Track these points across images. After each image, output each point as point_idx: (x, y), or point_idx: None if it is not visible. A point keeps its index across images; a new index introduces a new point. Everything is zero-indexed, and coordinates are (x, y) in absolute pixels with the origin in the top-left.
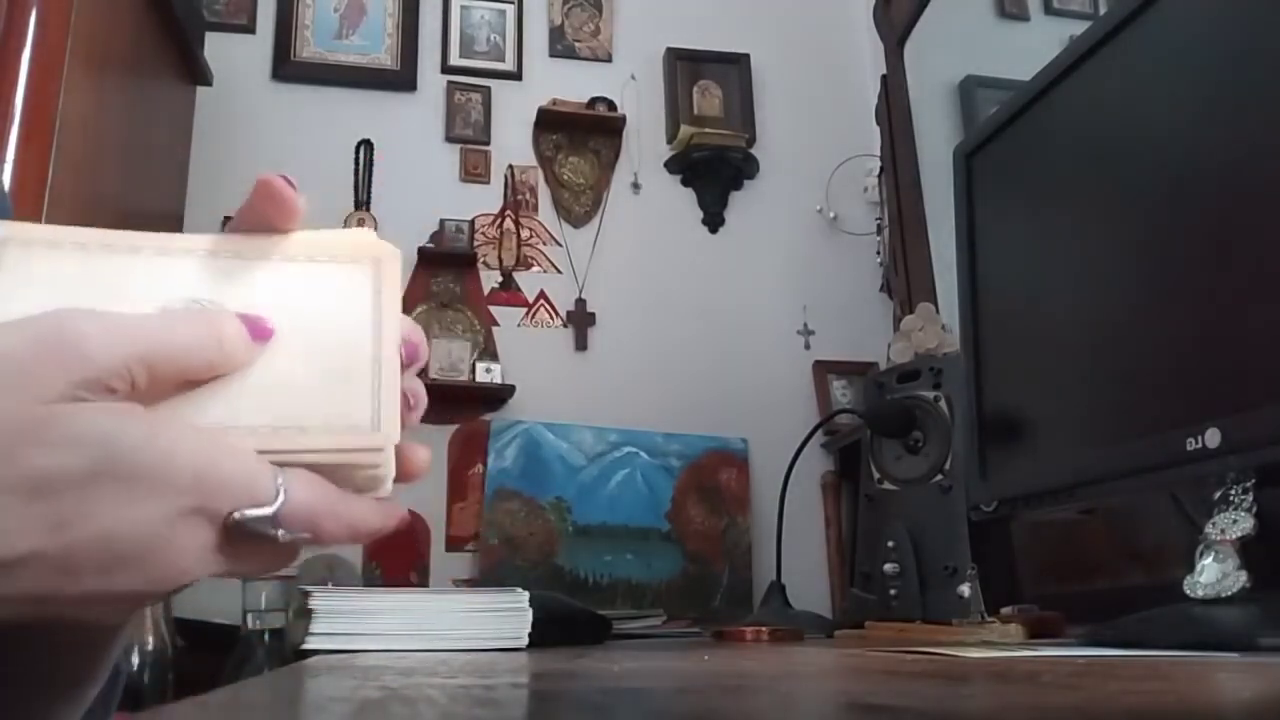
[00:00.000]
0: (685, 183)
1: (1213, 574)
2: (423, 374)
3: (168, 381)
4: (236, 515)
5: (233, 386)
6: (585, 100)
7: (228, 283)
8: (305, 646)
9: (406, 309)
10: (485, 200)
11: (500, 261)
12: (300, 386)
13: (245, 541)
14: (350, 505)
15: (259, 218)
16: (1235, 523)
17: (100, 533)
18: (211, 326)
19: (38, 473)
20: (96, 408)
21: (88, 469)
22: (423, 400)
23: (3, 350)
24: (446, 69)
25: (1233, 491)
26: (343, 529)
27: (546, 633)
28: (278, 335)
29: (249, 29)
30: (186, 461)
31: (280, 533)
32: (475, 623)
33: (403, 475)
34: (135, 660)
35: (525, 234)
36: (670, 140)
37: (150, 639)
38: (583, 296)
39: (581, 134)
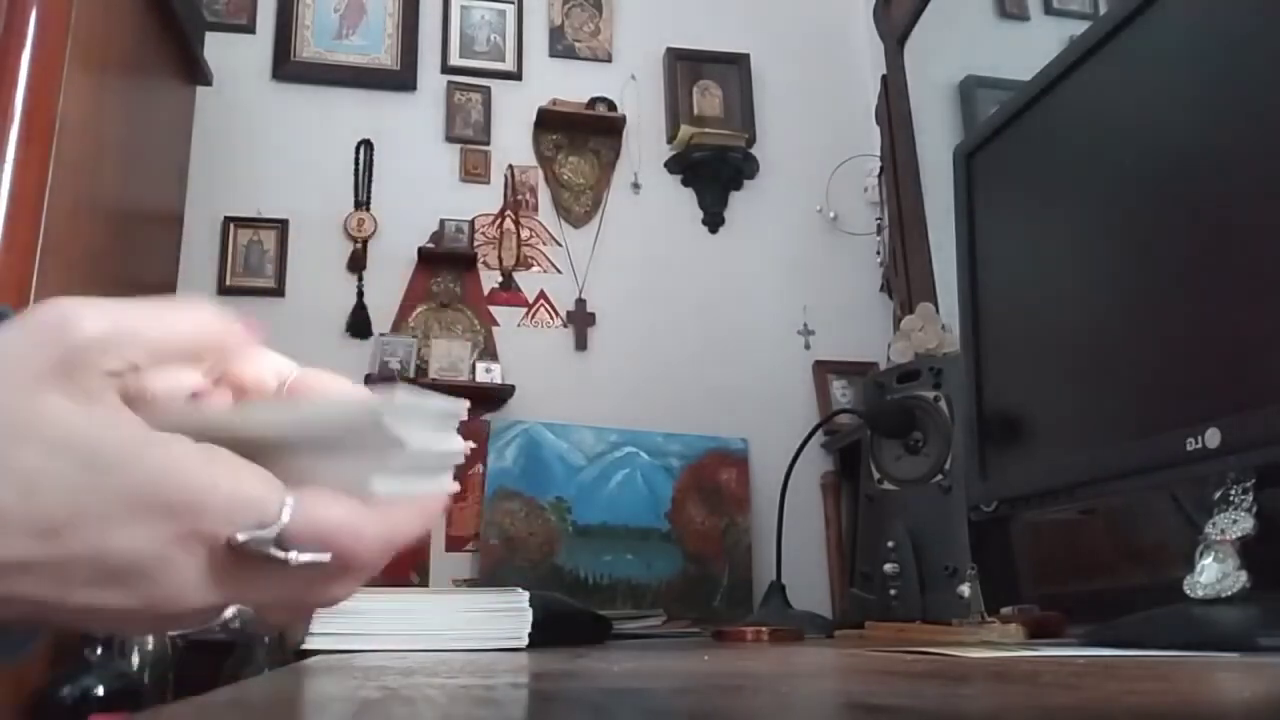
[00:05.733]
0: (685, 183)
1: (1213, 574)
2: (423, 374)
3: (170, 366)
4: (239, 537)
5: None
6: (585, 100)
7: None
8: (305, 646)
9: (407, 309)
10: (485, 200)
11: (500, 261)
12: None
13: (254, 566)
14: (379, 517)
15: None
16: (1235, 523)
17: (91, 547)
18: (201, 309)
19: (29, 471)
20: (90, 410)
21: (76, 476)
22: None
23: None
24: (446, 69)
25: (1233, 491)
26: (371, 545)
27: (546, 633)
28: None
29: (249, 29)
30: (180, 481)
31: (291, 555)
32: (475, 623)
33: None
34: (135, 660)
35: (525, 234)
36: (670, 140)
37: (150, 639)
38: (583, 296)
39: (581, 134)
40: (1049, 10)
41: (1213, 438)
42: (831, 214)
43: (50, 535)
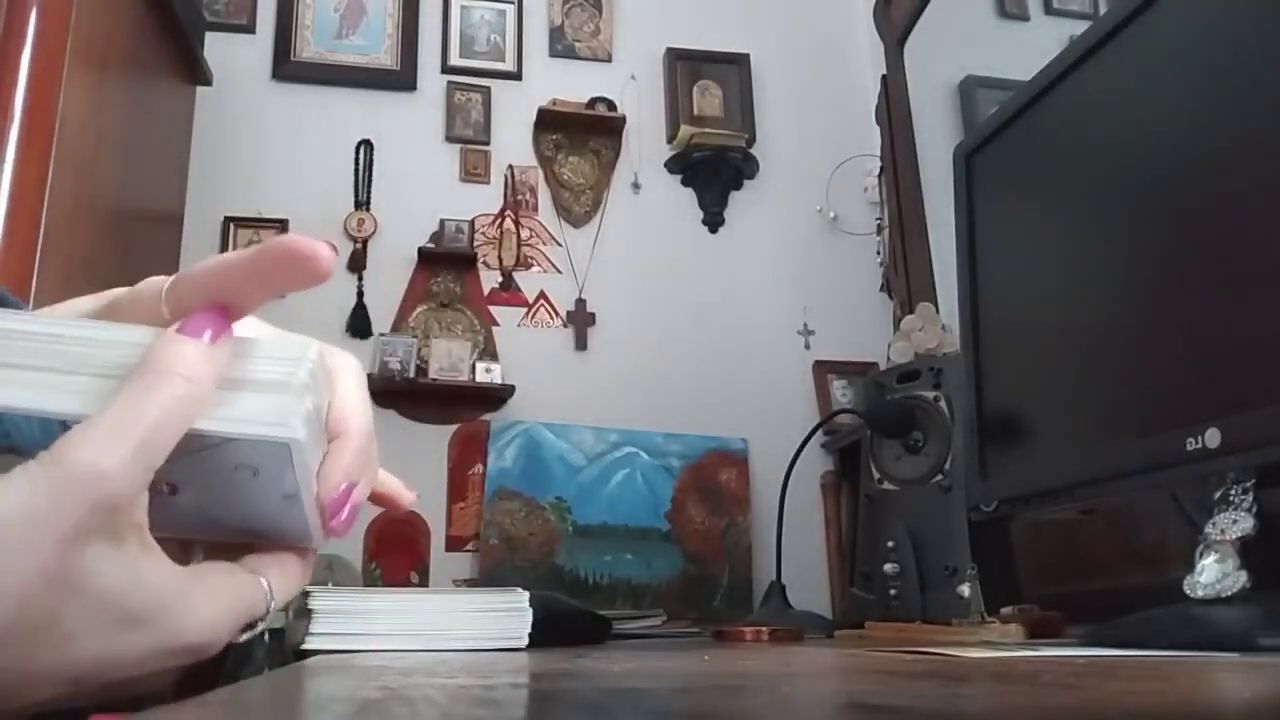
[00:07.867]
0: (685, 183)
1: (1213, 574)
2: (423, 374)
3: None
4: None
5: None
6: (585, 100)
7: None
8: (305, 646)
9: (407, 309)
10: (485, 200)
11: (500, 261)
12: None
13: None
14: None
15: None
16: (1235, 523)
17: (106, 681)
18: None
19: (69, 625)
20: (123, 561)
21: (110, 628)
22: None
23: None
24: (446, 69)
25: (1233, 491)
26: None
27: (546, 633)
28: None
29: (249, 29)
30: (199, 629)
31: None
32: (475, 623)
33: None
34: None
35: (525, 234)
36: (670, 140)
37: None
38: (583, 296)
39: (581, 134)
40: (1049, 10)
41: (1213, 438)
42: (831, 214)
43: (75, 683)
